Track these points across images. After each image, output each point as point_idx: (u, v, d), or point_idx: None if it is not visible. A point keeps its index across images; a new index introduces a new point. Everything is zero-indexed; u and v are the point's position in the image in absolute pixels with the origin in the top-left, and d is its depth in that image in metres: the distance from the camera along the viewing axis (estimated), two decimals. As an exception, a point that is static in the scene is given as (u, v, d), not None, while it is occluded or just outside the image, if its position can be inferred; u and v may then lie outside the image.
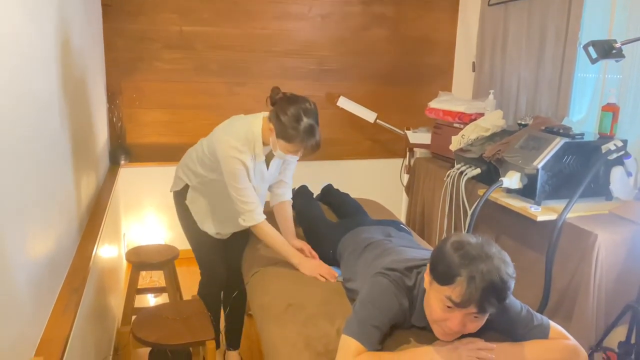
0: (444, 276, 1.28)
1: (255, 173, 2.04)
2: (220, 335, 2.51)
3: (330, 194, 2.75)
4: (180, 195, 2.25)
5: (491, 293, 1.23)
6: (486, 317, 1.32)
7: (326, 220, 2.38)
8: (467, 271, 1.24)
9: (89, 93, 2.40)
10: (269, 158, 2.10)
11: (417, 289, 1.48)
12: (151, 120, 3.51)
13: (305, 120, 1.85)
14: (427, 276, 1.39)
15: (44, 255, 1.36)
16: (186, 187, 2.22)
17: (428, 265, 1.39)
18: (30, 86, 1.31)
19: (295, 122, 1.85)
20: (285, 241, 2.07)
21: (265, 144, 2.00)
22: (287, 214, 2.26)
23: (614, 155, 2.25)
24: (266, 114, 2.00)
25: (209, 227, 2.25)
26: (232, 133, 1.99)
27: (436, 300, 1.32)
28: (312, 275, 1.97)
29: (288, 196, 2.29)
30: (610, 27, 2.60)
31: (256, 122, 2.01)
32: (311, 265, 2.00)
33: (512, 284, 1.27)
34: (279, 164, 2.18)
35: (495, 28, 3.35)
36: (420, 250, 1.76)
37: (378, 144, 4.02)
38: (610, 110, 2.37)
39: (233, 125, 2.04)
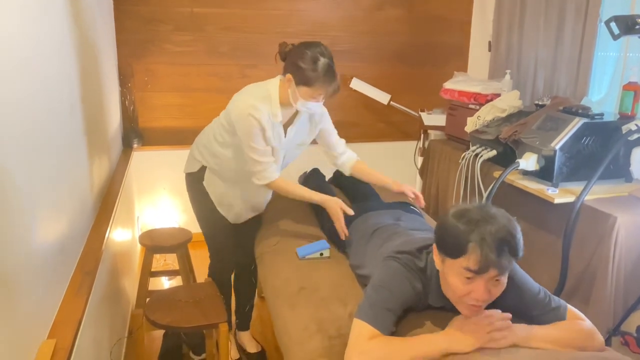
0: (454, 249, 1.26)
1: (273, 135, 2.00)
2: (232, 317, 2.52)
3: (342, 177, 2.72)
4: (194, 177, 2.21)
5: (505, 250, 1.22)
6: (507, 276, 1.30)
7: None
8: (476, 235, 1.22)
9: (100, 75, 2.40)
10: (286, 126, 2.06)
11: (429, 270, 1.46)
12: (163, 104, 3.50)
13: (323, 60, 1.85)
14: (436, 256, 1.36)
15: (55, 238, 1.36)
16: (202, 168, 2.19)
17: (434, 245, 1.37)
18: (40, 69, 1.30)
19: (314, 63, 1.85)
20: (304, 188, 2.09)
21: (282, 104, 1.97)
22: (369, 170, 2.24)
23: (635, 136, 2.19)
24: (280, 76, 1.99)
25: (225, 210, 2.23)
26: (248, 93, 1.99)
27: (454, 276, 1.29)
28: (332, 213, 2.01)
29: (355, 155, 2.28)
30: (633, 2, 2.51)
31: (272, 82, 2.00)
32: (336, 204, 2.01)
33: (520, 236, 1.26)
34: (299, 131, 2.12)
35: (512, 5, 3.26)
36: (429, 233, 1.72)
37: (392, 126, 3.98)
38: (632, 89, 2.30)
39: (249, 88, 2.04)
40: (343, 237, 2.00)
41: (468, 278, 1.26)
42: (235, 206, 2.23)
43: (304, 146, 2.22)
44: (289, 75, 1.92)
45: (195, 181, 2.22)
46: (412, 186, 2.14)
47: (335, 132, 2.25)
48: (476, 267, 1.23)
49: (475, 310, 1.32)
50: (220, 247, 2.33)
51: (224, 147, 2.10)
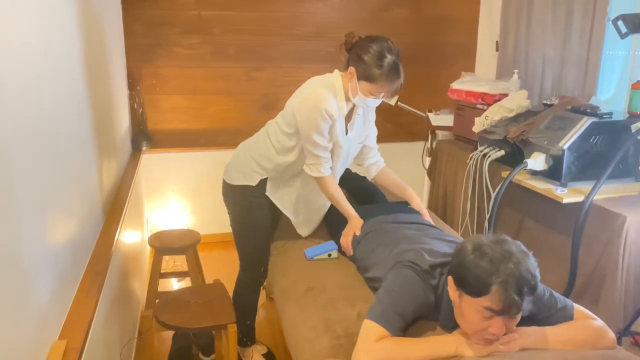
0: (476, 288, 1.26)
1: (337, 128, 1.97)
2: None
3: (348, 178, 2.72)
4: (252, 190, 2.12)
5: (526, 290, 1.23)
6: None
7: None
8: (498, 277, 1.22)
9: (109, 79, 2.42)
10: (346, 121, 2.03)
11: (440, 289, 1.47)
12: (171, 106, 3.53)
13: (390, 58, 1.81)
14: (453, 290, 1.35)
15: (66, 240, 1.37)
16: (263, 181, 2.12)
17: (450, 279, 1.36)
18: (51, 72, 1.32)
19: (379, 60, 1.80)
20: (344, 196, 2.07)
21: (346, 99, 1.94)
22: (393, 177, 2.25)
23: (644, 135, 2.17)
24: (338, 71, 1.96)
25: (294, 217, 2.21)
26: (315, 85, 1.95)
27: (472, 312, 1.29)
28: (348, 229, 2.01)
29: (382, 161, 2.28)
30: (641, 1, 2.49)
31: (335, 75, 1.96)
32: (357, 223, 2.00)
33: (538, 272, 1.26)
34: (358, 128, 2.09)
35: (519, 4, 3.25)
36: (442, 242, 1.71)
37: (399, 126, 3.97)
38: (641, 87, 2.28)
39: (313, 81, 2.00)
40: (347, 254, 2.01)
41: (487, 316, 1.26)
42: (300, 211, 2.21)
43: (362, 144, 2.20)
44: (351, 69, 1.87)
45: (250, 194, 2.14)
46: (420, 190, 2.16)
47: (375, 137, 2.24)
48: (499, 308, 1.23)
49: (490, 342, 1.31)
50: (257, 261, 2.25)
51: (282, 154, 2.04)
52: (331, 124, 1.93)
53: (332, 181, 2.04)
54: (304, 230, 2.25)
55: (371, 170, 2.27)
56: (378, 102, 1.94)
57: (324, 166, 1.99)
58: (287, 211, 2.20)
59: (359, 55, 1.84)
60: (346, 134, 2.05)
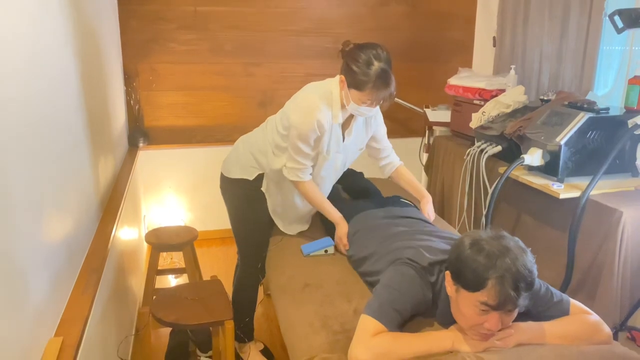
0: (473, 283, 1.26)
1: (331, 138, 1.96)
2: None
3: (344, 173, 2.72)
4: (249, 184, 2.14)
5: (522, 286, 1.23)
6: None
7: (338, 201, 2.35)
8: (494, 272, 1.22)
9: (105, 75, 2.41)
10: (343, 129, 2.02)
11: (438, 286, 1.47)
12: (168, 103, 3.52)
13: (377, 64, 1.78)
14: (450, 285, 1.36)
15: (62, 237, 1.37)
16: (260, 176, 2.13)
17: (448, 273, 1.36)
18: (45, 69, 1.31)
19: (366, 67, 1.78)
20: (326, 200, 2.06)
21: (343, 107, 1.92)
22: (408, 177, 2.23)
23: (641, 130, 2.17)
24: (339, 77, 1.95)
25: (278, 218, 2.21)
26: (311, 92, 1.94)
27: (469, 307, 1.29)
28: (337, 235, 2.01)
29: (398, 160, 2.27)
30: (638, -4, 2.49)
31: (334, 82, 1.95)
32: (341, 231, 2.00)
33: (535, 268, 1.26)
34: (357, 134, 2.08)
35: (516, 0, 3.24)
36: (435, 237, 1.70)
37: (396, 122, 3.97)
38: (638, 83, 2.28)
39: (310, 86, 2.00)
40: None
41: (483, 310, 1.26)
42: (288, 213, 2.20)
43: (362, 150, 2.18)
44: (342, 77, 1.87)
45: (247, 186, 2.14)
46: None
47: (385, 136, 2.22)
48: (494, 303, 1.24)
49: (486, 337, 1.32)
50: (256, 256, 2.25)
51: (277, 153, 2.04)
52: (319, 136, 1.92)
53: (311, 186, 2.03)
54: (286, 230, 2.25)
55: (385, 170, 2.27)
56: (372, 110, 1.90)
57: (303, 172, 2.00)
58: (272, 213, 2.20)
59: (348, 63, 1.83)
60: (343, 141, 2.04)
